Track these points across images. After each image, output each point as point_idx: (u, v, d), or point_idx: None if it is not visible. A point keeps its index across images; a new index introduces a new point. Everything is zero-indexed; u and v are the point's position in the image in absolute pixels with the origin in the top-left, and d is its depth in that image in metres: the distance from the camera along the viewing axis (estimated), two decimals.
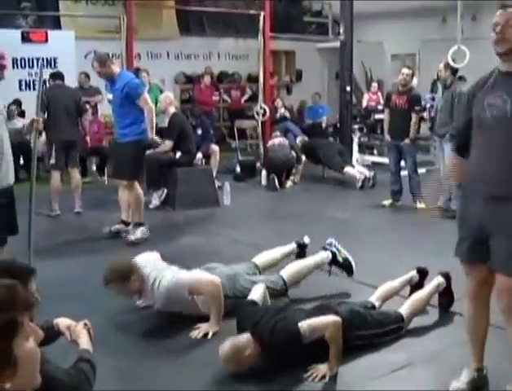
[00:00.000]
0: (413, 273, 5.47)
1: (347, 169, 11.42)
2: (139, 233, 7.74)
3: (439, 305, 5.36)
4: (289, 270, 5.62)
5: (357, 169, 11.55)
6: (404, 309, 4.94)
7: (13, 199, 5.48)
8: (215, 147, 11.26)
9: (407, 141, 9.34)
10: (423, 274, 5.47)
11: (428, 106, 9.79)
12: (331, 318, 4.34)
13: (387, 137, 9.68)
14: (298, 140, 12.66)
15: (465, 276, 3.86)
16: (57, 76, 9.58)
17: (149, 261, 5.30)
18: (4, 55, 5.44)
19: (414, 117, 9.39)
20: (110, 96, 8.61)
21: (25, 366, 1.38)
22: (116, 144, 8.17)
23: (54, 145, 9.13)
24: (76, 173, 9.46)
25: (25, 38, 12.73)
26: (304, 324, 4.22)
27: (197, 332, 4.90)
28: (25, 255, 5.48)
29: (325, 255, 5.84)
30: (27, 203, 5.78)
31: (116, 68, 7.76)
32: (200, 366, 4.43)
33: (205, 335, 4.86)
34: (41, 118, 6.07)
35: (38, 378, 1.47)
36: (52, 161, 9.16)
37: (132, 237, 7.71)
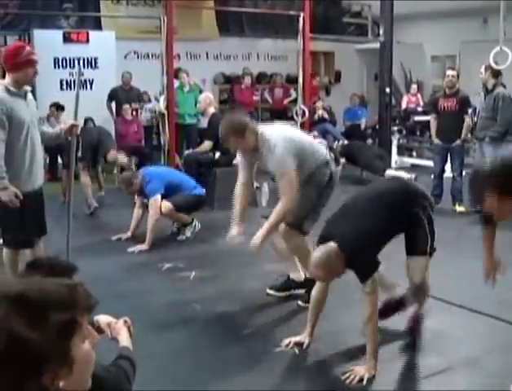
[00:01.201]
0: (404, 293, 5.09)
1: (388, 172, 11.36)
2: (188, 231, 8.08)
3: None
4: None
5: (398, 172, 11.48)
6: None
7: (42, 200, 5.55)
8: None
9: (458, 142, 9.22)
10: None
11: (470, 111, 9.65)
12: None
13: (436, 140, 9.53)
14: (336, 145, 12.61)
15: None
16: None
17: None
18: (33, 51, 5.46)
19: (467, 118, 9.26)
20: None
21: (80, 368, 1.40)
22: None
23: (81, 143, 9.32)
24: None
25: (67, 39, 12.88)
26: None
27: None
28: (62, 253, 5.54)
29: None
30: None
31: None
32: (240, 371, 4.45)
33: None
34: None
35: (89, 382, 1.49)
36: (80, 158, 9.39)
37: (183, 236, 8.05)
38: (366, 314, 4.28)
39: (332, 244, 4.25)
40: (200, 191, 8.21)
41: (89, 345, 1.45)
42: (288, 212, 5.24)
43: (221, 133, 5.56)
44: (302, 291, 5.68)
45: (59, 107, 11.79)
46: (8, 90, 5.11)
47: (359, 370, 4.23)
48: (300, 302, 5.61)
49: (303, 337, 4.74)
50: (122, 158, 10.15)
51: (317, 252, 4.34)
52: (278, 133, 5.40)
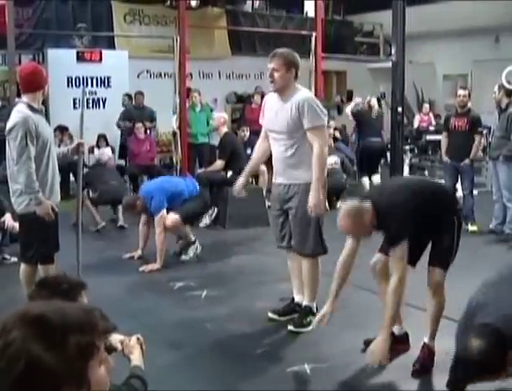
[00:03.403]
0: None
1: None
2: (191, 251, 7.87)
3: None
4: None
5: None
6: None
7: (57, 217, 5.58)
8: (263, 167, 11.25)
9: (467, 161, 9.18)
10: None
11: (485, 132, 9.60)
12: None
13: (445, 158, 9.50)
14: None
15: None
16: None
17: None
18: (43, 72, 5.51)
19: (477, 138, 9.22)
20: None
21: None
22: None
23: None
24: None
25: (80, 58, 12.99)
26: None
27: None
28: (74, 271, 5.54)
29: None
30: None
31: None
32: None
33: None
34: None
35: None
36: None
37: (186, 257, 7.83)
38: (392, 283, 4.30)
39: (367, 203, 4.36)
40: (197, 186, 8.13)
41: (104, 371, 1.45)
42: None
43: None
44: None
45: (63, 129, 11.89)
46: (32, 108, 5.17)
47: (375, 348, 4.28)
48: (291, 327, 5.43)
49: (325, 309, 4.63)
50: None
51: (350, 202, 4.44)
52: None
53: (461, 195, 9.40)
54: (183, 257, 7.82)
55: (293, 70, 5.41)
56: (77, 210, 5.90)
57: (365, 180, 11.82)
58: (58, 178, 5.55)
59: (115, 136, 12.56)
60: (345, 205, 4.45)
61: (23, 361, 1.30)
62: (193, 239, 7.93)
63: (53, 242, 5.43)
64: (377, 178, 11.96)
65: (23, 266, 5.49)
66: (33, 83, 5.21)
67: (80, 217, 5.86)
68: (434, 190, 4.77)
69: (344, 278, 4.65)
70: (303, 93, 5.45)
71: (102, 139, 11.99)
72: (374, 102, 12.40)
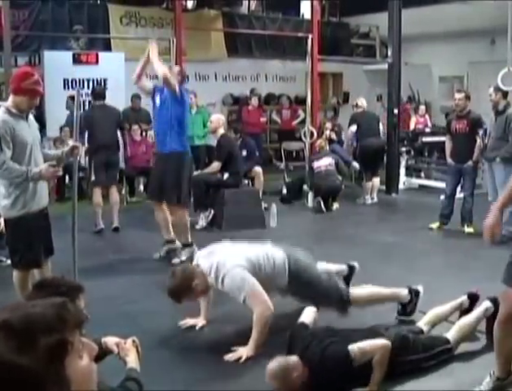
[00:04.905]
0: (464, 298, 5.39)
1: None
2: (184, 254, 7.79)
3: (487, 330, 5.26)
4: (360, 290, 5.59)
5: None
6: (451, 334, 4.89)
7: (48, 220, 5.57)
8: (258, 169, 11.26)
9: (470, 163, 9.19)
10: (474, 299, 5.38)
11: (481, 133, 9.60)
12: (381, 341, 4.34)
13: (450, 161, 9.49)
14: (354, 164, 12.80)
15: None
16: (99, 95, 9.77)
17: (209, 256, 5.30)
18: (40, 81, 5.51)
19: (478, 139, 9.22)
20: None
21: (81, 383, 1.38)
22: (158, 160, 8.25)
23: (93, 163, 9.41)
24: (114, 191, 9.67)
25: (76, 60, 12.96)
26: (355, 347, 4.22)
27: (231, 355, 4.88)
28: (70, 274, 5.53)
29: (405, 292, 5.65)
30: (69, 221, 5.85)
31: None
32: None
33: (239, 359, 4.83)
34: (81, 144, 6.17)
35: None
36: (93, 178, 9.44)
37: (177, 259, 7.74)
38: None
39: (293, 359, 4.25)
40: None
41: (87, 358, 1.43)
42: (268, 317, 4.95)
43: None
44: None
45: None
46: (10, 112, 5.18)
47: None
48: None
49: None
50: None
51: (274, 363, 4.18)
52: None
53: (461, 196, 9.45)
54: (174, 260, 7.72)
55: None
56: (73, 212, 5.87)
57: (368, 185, 11.86)
58: (44, 182, 5.50)
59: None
60: (269, 367, 4.16)
61: None
62: (190, 241, 7.92)
63: (38, 246, 5.39)
64: (377, 181, 11.97)
65: (14, 272, 5.48)
66: (19, 87, 5.20)
67: (75, 219, 5.85)
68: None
69: None
70: None
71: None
72: (362, 101, 12.47)
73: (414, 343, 4.66)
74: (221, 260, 5.11)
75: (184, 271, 5.21)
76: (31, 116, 5.45)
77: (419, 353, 4.62)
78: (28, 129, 5.31)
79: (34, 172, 5.13)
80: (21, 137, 5.18)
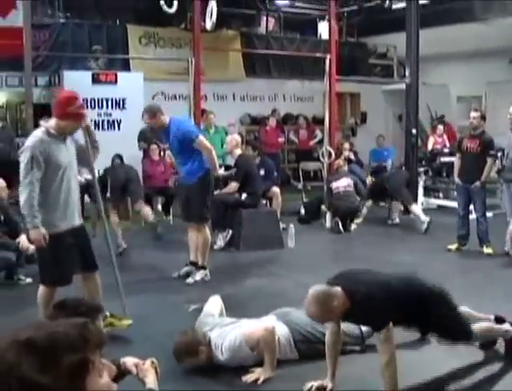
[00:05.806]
0: (491, 317, 5.33)
1: (414, 208, 11.42)
2: (199, 275, 7.82)
3: (506, 352, 5.21)
4: None
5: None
6: (475, 327, 4.85)
7: (85, 236, 5.66)
8: (276, 189, 11.25)
9: (477, 183, 9.12)
10: (500, 322, 5.32)
11: (499, 154, 9.54)
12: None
13: (457, 180, 9.45)
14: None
15: None
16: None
17: (210, 322, 5.35)
18: (83, 105, 5.61)
19: (489, 161, 9.15)
20: (167, 146, 9.18)
21: None
22: (182, 186, 8.28)
23: (109, 183, 9.66)
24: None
25: (95, 79, 13.05)
26: None
27: (249, 376, 4.88)
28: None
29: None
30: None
31: (166, 117, 7.73)
32: None
33: (256, 380, 4.83)
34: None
35: None
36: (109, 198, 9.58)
37: (191, 279, 7.78)
38: (383, 362, 4.22)
39: (337, 288, 4.23)
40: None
41: (107, 378, 1.45)
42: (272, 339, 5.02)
43: None
44: None
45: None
46: (48, 133, 5.26)
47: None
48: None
49: (326, 381, 4.66)
50: (147, 213, 10.16)
51: (318, 287, 4.28)
52: None
53: (475, 217, 9.39)
54: (189, 280, 7.76)
55: None
56: (105, 230, 5.98)
57: (397, 205, 11.90)
58: (75, 202, 5.57)
59: (131, 157, 12.56)
60: (312, 290, 4.26)
61: (16, 384, 1.30)
62: (206, 263, 7.93)
63: (67, 264, 5.43)
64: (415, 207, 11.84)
65: (40, 287, 5.52)
66: (65, 112, 5.31)
67: (108, 237, 5.93)
68: (412, 291, 4.68)
69: (335, 356, 4.66)
70: None
71: (116, 159, 11.98)
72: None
73: (451, 302, 4.71)
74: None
75: (194, 336, 5.19)
76: (69, 140, 5.50)
77: (449, 313, 4.65)
78: (66, 152, 5.39)
79: (34, 222, 5.18)
80: (56, 158, 5.26)
